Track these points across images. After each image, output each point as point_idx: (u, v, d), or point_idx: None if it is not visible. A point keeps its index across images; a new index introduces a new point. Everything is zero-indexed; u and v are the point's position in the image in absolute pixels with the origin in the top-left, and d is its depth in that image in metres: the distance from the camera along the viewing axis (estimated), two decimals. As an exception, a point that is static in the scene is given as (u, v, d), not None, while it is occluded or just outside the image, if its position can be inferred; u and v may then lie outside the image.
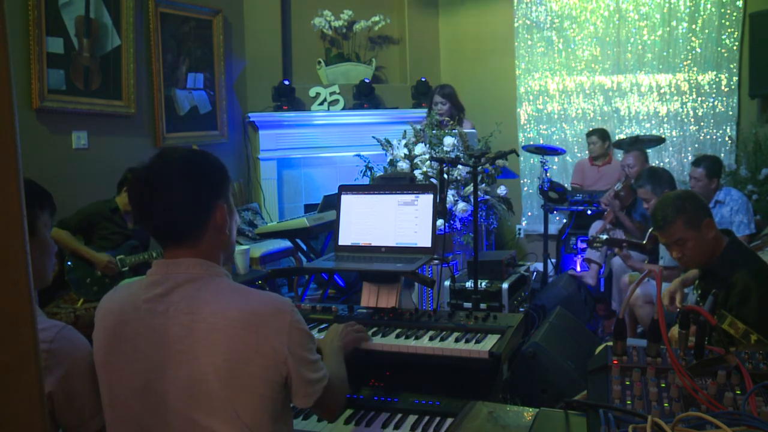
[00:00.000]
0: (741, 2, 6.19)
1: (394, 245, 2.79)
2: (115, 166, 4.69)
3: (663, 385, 1.46)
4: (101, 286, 4.30)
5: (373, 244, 2.82)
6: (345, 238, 2.88)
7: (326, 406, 1.74)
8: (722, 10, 6.28)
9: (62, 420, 1.64)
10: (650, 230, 4.28)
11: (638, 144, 5.86)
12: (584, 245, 5.89)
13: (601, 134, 6.30)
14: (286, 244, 5.75)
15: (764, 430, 1.16)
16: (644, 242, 4.47)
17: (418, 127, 5.25)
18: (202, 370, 1.51)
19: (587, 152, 6.54)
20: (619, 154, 6.53)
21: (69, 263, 4.29)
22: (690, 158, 6.05)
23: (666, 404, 1.38)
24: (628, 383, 1.48)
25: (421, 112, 6.31)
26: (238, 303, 1.56)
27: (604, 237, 4.66)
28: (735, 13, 6.23)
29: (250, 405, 1.52)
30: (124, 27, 5.28)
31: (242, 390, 1.52)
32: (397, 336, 2.39)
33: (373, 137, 5.27)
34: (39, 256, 1.69)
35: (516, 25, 7.15)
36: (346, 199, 2.91)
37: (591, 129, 6.49)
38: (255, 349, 1.53)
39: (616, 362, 1.56)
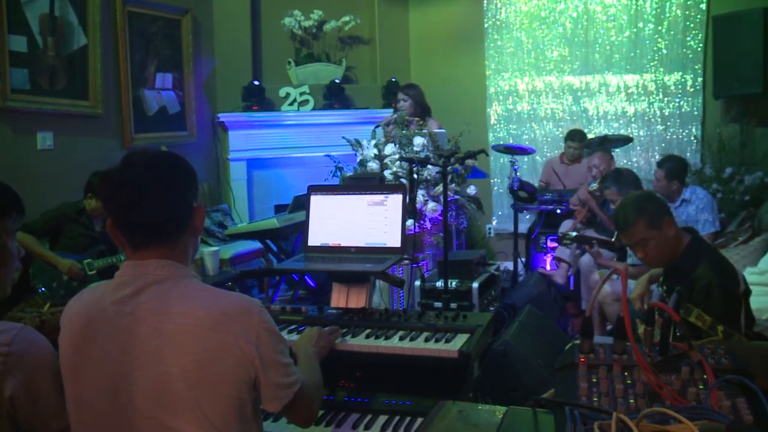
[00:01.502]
0: (704, 5, 6.29)
1: (364, 245, 2.79)
2: (82, 168, 4.63)
3: (629, 381, 1.47)
4: (68, 290, 4.23)
5: (342, 245, 2.82)
6: (314, 238, 2.87)
7: (298, 413, 1.72)
8: (687, 13, 6.37)
9: (25, 422, 1.61)
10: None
11: (606, 144, 5.92)
12: (554, 244, 5.94)
13: (581, 137, 6.30)
14: (256, 245, 5.72)
15: (724, 423, 1.17)
16: (613, 240, 4.51)
17: (383, 121, 5.27)
18: (170, 371, 1.50)
19: (558, 151, 6.59)
20: (587, 153, 6.60)
21: (34, 267, 4.22)
22: (657, 157, 6.12)
23: (632, 400, 1.40)
24: (594, 380, 1.49)
25: (390, 112, 6.32)
26: (206, 303, 1.56)
27: (574, 234, 4.70)
28: (699, 16, 6.33)
29: (218, 406, 1.51)
30: (91, 26, 5.20)
31: (210, 391, 1.51)
32: (367, 336, 2.39)
33: (343, 137, 5.26)
34: None
35: (486, 25, 7.20)
36: (316, 200, 2.90)
37: (569, 131, 6.44)
38: (223, 349, 1.52)
39: (583, 360, 1.57)
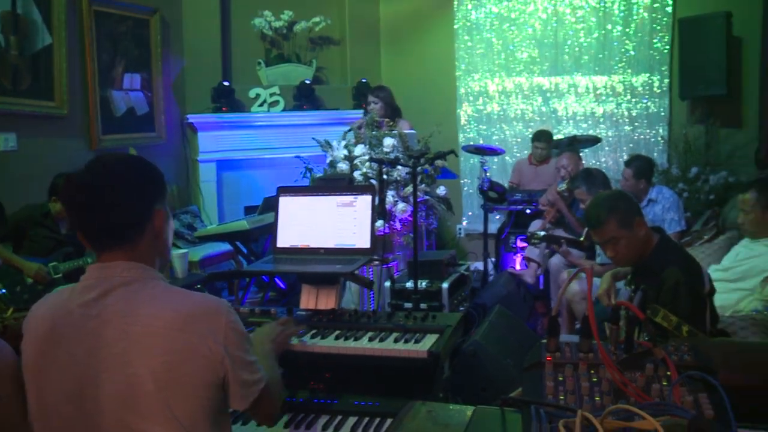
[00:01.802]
0: (671, 8, 6.39)
1: (333, 246, 2.78)
2: (47, 169, 4.55)
3: (595, 379, 1.48)
4: (32, 294, 4.15)
5: (311, 246, 2.81)
6: (283, 240, 2.85)
7: (263, 409, 1.73)
8: (653, 15, 6.47)
9: None
10: (587, 228, 4.37)
11: (575, 144, 5.98)
12: (524, 244, 5.98)
13: (548, 138, 6.36)
14: (226, 247, 5.69)
15: (686, 418, 1.19)
16: (581, 239, 4.55)
17: (355, 124, 5.27)
18: (138, 373, 1.49)
19: (527, 151, 6.64)
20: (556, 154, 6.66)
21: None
22: (625, 158, 6.19)
23: (597, 398, 1.41)
24: (561, 379, 1.50)
25: (361, 113, 6.32)
26: (173, 305, 1.56)
27: (542, 234, 4.73)
28: (665, 18, 6.42)
29: (187, 407, 1.51)
30: (56, 24, 5.11)
31: (179, 392, 1.51)
32: (337, 337, 2.38)
33: (313, 138, 5.25)
34: None
35: (456, 26, 7.22)
36: (284, 201, 2.88)
37: (536, 132, 6.50)
38: (192, 349, 1.52)
39: (549, 359, 1.58)
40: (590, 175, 4.50)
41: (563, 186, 5.32)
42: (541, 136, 6.35)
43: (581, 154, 5.86)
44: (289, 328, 2.28)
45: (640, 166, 4.89)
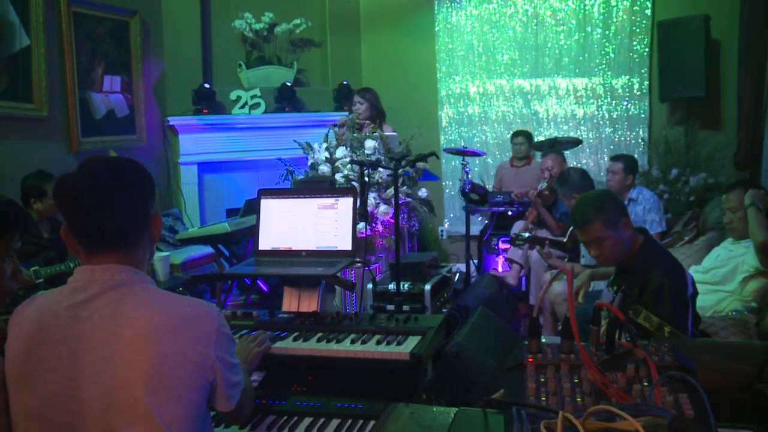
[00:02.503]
0: (650, 11, 6.44)
1: (315, 249, 2.77)
2: (26, 172, 4.49)
3: (576, 380, 1.49)
4: (13, 299, 4.10)
5: (293, 248, 2.80)
6: (265, 242, 2.84)
7: (243, 411, 1.79)
8: (633, 18, 6.52)
9: None
10: (571, 229, 4.38)
11: (557, 146, 6.01)
12: (506, 245, 6.00)
13: (527, 135, 6.46)
14: (208, 249, 5.66)
15: (667, 418, 1.20)
16: (565, 240, 4.57)
17: (339, 122, 5.27)
18: (127, 376, 1.49)
19: (509, 153, 6.68)
20: (538, 156, 6.70)
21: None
22: (606, 159, 6.24)
23: (579, 399, 1.41)
24: (542, 380, 1.50)
25: (343, 115, 6.31)
26: (164, 308, 1.56)
27: (527, 235, 4.75)
28: (644, 21, 6.47)
29: (176, 410, 1.51)
30: (34, 26, 5.05)
31: (169, 395, 1.50)
32: (319, 340, 2.37)
33: (295, 141, 5.23)
34: None
35: (437, 29, 7.24)
36: (266, 203, 2.87)
37: (515, 130, 6.61)
38: (183, 353, 1.52)
39: (531, 360, 1.58)
40: (565, 179, 4.51)
41: (544, 185, 5.35)
42: (520, 133, 6.47)
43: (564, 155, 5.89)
44: (259, 346, 2.28)
45: (629, 162, 4.98)
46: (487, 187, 6.58)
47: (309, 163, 5.06)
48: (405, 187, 4.85)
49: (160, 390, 1.49)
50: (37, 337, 1.55)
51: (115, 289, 1.56)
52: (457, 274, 5.71)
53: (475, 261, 6.32)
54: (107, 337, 1.51)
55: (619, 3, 6.55)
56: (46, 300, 1.61)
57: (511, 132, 6.74)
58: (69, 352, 1.52)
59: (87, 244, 1.61)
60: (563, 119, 6.91)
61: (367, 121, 5.27)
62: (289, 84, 6.79)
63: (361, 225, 3.66)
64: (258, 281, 5.52)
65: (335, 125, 5.35)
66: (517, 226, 5.66)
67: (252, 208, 4.95)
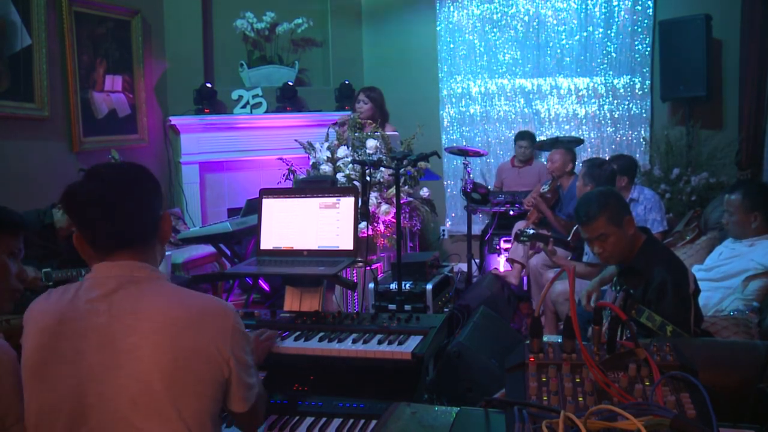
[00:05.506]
0: (651, 10, 6.43)
1: (316, 248, 2.77)
2: (28, 172, 4.50)
3: (578, 380, 1.49)
4: (22, 299, 4.08)
5: (295, 248, 2.80)
6: (267, 242, 2.84)
7: (257, 414, 1.79)
8: (634, 17, 6.50)
9: None
10: (575, 227, 4.38)
11: (558, 145, 6.00)
12: (507, 245, 6.00)
13: (531, 138, 6.43)
14: (209, 249, 5.65)
15: (668, 417, 1.20)
16: (568, 239, 4.57)
17: (339, 120, 5.26)
18: (146, 370, 1.51)
19: (511, 153, 6.67)
20: (541, 156, 6.70)
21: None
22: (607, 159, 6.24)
23: (580, 398, 1.42)
24: (544, 379, 1.51)
25: (345, 115, 6.30)
26: (183, 303, 1.59)
27: (531, 231, 4.74)
28: (646, 20, 6.46)
29: (193, 405, 1.53)
30: (35, 26, 5.05)
31: (186, 390, 1.53)
32: (320, 339, 2.38)
33: (296, 140, 5.23)
34: None
35: (438, 28, 7.24)
36: (267, 203, 2.87)
37: (519, 132, 6.59)
38: (199, 348, 1.55)
39: (532, 359, 1.58)
40: (598, 165, 4.50)
41: (546, 188, 5.35)
42: (525, 135, 6.44)
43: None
44: (268, 341, 2.31)
45: (624, 164, 4.98)
46: (489, 186, 6.58)
47: (310, 163, 5.06)
48: (406, 187, 4.85)
49: (178, 384, 1.52)
50: (57, 330, 1.57)
51: (134, 285, 1.59)
52: (459, 274, 5.71)
53: (477, 260, 6.32)
54: (126, 330, 1.54)
55: (621, 2, 6.53)
56: (65, 294, 1.63)
57: (513, 132, 6.74)
58: (89, 346, 1.54)
59: (100, 248, 1.64)
60: (565, 119, 6.90)
61: (369, 121, 5.27)
62: (290, 84, 6.79)
63: (363, 224, 3.67)
64: (259, 281, 5.51)
65: (335, 124, 5.35)
66: (518, 227, 5.65)
67: (253, 207, 4.96)
